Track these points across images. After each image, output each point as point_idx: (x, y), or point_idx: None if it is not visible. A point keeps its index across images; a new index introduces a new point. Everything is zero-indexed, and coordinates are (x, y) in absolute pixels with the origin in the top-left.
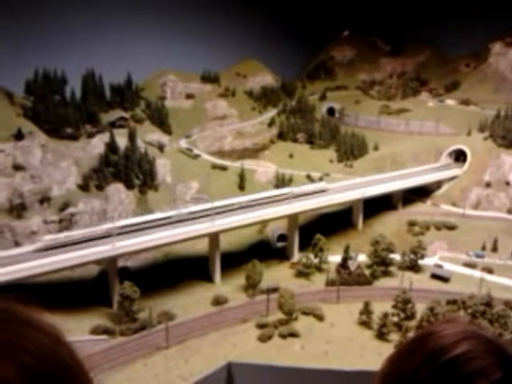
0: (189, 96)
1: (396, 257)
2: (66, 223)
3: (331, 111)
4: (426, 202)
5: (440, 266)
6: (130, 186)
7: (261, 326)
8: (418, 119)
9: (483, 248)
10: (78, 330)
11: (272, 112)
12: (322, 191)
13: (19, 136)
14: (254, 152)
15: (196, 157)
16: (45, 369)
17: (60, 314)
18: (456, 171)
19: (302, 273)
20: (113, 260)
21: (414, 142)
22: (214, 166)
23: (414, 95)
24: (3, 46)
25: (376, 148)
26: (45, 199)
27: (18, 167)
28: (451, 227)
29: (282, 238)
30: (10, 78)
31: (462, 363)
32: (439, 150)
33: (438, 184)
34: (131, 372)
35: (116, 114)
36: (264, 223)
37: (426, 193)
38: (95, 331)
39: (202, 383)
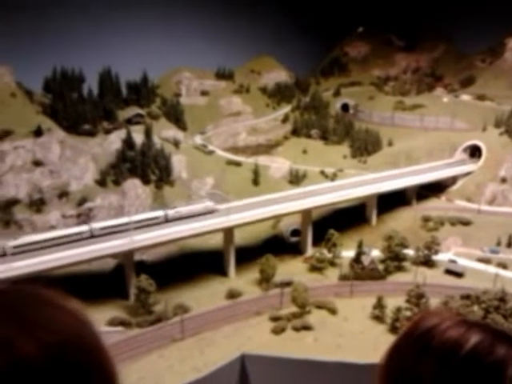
0: (203, 93)
1: (410, 252)
2: (84, 218)
3: (345, 107)
4: (440, 198)
5: (454, 262)
6: (146, 181)
7: (274, 319)
8: (433, 115)
9: (498, 244)
10: (96, 322)
11: (286, 108)
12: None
13: (38, 132)
14: (268, 148)
15: (211, 153)
16: (67, 348)
17: None
18: (471, 167)
19: (316, 267)
20: (129, 254)
21: (428, 138)
22: (229, 162)
23: (428, 91)
24: (22, 45)
25: (390, 144)
26: (63, 194)
27: (37, 163)
28: (466, 223)
29: (295, 233)
30: (30, 76)
31: (483, 354)
32: (454, 146)
33: (453, 180)
34: (147, 363)
35: (132, 110)
36: (278, 218)
37: (441, 188)
38: (112, 323)
39: (216, 374)
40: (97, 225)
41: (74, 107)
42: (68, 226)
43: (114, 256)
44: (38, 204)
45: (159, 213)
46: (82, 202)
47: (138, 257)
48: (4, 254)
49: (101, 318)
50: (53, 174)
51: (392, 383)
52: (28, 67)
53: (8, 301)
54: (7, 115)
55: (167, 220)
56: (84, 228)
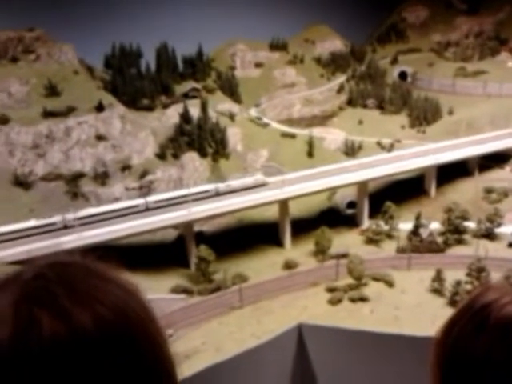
0: (257, 65)
1: (471, 225)
2: (146, 190)
3: (403, 75)
4: (504, 169)
5: None
6: (203, 154)
7: (331, 290)
8: (497, 81)
9: None
10: (159, 289)
11: (341, 78)
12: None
13: (100, 108)
14: (323, 119)
15: (265, 125)
16: (118, 321)
17: (141, 274)
18: None
19: (372, 240)
20: (189, 224)
21: (491, 106)
22: (283, 134)
23: (492, 56)
24: (83, 22)
25: (451, 112)
26: (126, 167)
27: (100, 137)
28: None
29: (351, 205)
30: (91, 52)
31: None
32: None
33: None
34: (207, 329)
35: (188, 85)
36: (333, 190)
37: (505, 159)
38: (175, 290)
39: (274, 342)
40: (151, 198)
41: (132, 83)
42: (131, 198)
43: (174, 227)
44: (102, 177)
45: (210, 186)
46: (143, 174)
47: (197, 228)
48: (66, 226)
49: (165, 286)
50: (115, 148)
51: (446, 357)
52: (89, 44)
53: (62, 272)
54: (71, 92)
55: (218, 193)
56: (140, 201)
